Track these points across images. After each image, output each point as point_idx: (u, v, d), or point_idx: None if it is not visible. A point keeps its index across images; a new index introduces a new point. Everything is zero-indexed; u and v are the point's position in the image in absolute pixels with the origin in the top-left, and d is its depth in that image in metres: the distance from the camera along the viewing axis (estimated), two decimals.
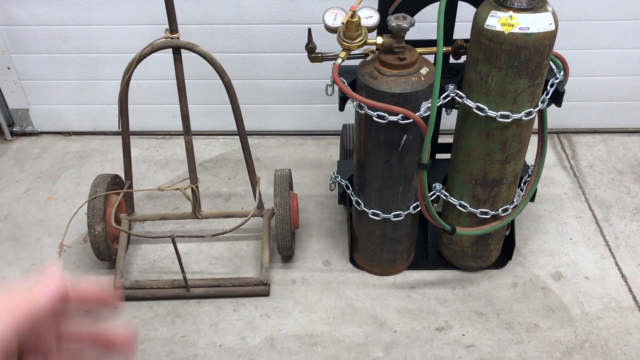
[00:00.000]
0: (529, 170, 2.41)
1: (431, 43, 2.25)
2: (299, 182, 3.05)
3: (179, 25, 2.15)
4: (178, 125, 3.39)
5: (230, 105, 3.30)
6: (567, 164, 3.16)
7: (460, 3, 2.26)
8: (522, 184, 2.41)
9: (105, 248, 2.47)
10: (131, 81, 2.69)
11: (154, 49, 2.19)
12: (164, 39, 2.18)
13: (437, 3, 2.21)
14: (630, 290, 2.50)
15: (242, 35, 3.02)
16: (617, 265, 2.61)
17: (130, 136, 2.43)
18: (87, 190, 3.00)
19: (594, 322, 2.38)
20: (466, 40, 2.22)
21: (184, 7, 2.91)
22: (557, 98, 2.12)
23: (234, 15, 2.96)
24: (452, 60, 2.37)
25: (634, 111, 3.31)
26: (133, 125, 2.57)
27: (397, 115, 1.99)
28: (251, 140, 3.27)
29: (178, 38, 2.18)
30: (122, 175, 2.67)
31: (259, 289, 2.47)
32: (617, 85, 3.21)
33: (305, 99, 3.26)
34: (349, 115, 3.30)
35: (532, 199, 2.43)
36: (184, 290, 2.47)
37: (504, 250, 2.61)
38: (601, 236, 2.74)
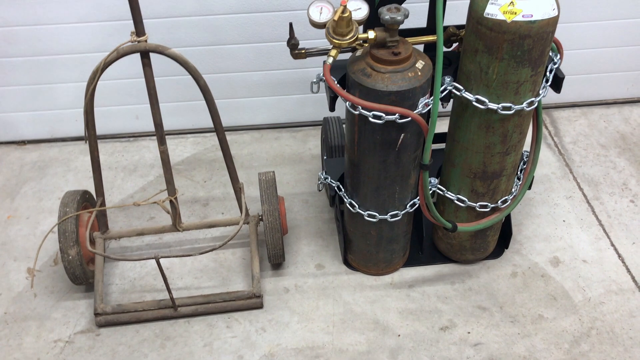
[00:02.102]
0: (524, 157, 2.32)
1: (418, 32, 2.11)
2: (280, 180, 2.89)
3: (141, 14, 1.93)
4: (143, 126, 3.19)
5: (198, 102, 3.11)
6: (550, 141, 3.10)
7: None
8: (518, 172, 2.32)
9: (81, 272, 2.27)
10: None
11: (119, 54, 1.98)
12: (130, 43, 1.97)
13: None
14: (628, 270, 2.47)
15: (208, 26, 2.81)
16: (612, 245, 2.57)
17: None
18: (51, 205, 2.79)
19: (597, 308, 2.34)
20: (458, 27, 2.09)
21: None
22: (556, 84, 2.02)
23: (197, 6, 2.73)
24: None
25: (611, 83, 3.26)
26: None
27: (394, 114, 1.85)
28: None
29: (146, 41, 1.97)
30: (89, 187, 2.48)
31: (252, 302, 2.33)
32: (594, 58, 3.15)
33: (279, 90, 3.08)
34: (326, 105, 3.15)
35: (529, 187, 2.35)
36: (171, 310, 2.30)
37: (500, 239, 2.53)
38: (593, 216, 2.70)
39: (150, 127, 3.16)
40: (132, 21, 1.93)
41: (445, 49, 2.21)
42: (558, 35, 3.01)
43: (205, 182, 2.92)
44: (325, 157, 2.64)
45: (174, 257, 2.13)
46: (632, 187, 2.82)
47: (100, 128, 3.13)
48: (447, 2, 2.19)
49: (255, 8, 2.76)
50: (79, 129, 3.13)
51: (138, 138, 3.19)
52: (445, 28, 2.08)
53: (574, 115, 3.26)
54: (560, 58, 2.08)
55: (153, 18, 2.73)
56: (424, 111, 1.91)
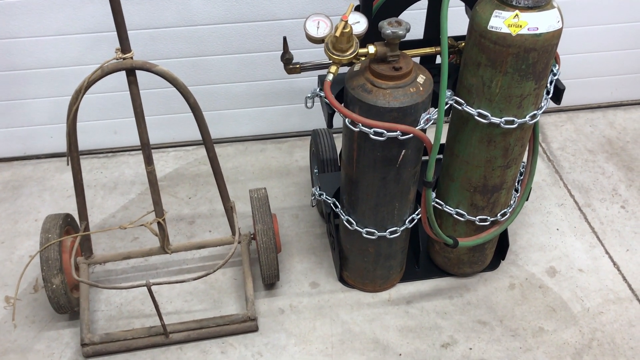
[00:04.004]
0: (521, 168, 2.29)
1: (413, 44, 2.06)
2: (268, 194, 2.80)
3: (127, 30, 1.82)
4: (121, 141, 3.06)
5: (178, 115, 3.00)
6: (539, 148, 3.08)
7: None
8: (516, 184, 2.28)
9: (65, 301, 2.15)
10: (65, 97, 2.29)
11: (104, 72, 1.87)
12: (115, 61, 1.86)
13: (424, 2, 2.03)
14: (624, 279, 2.46)
15: (190, 38, 2.70)
16: (607, 253, 2.56)
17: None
18: (27, 227, 2.66)
19: (597, 318, 2.32)
20: (456, 38, 2.04)
21: None
22: (557, 96, 1.99)
23: (179, 17, 2.63)
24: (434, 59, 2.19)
25: (595, 87, 3.27)
26: None
27: (396, 130, 1.79)
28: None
29: (132, 58, 1.87)
30: (68, 207, 2.36)
31: (247, 325, 2.24)
32: (578, 63, 3.15)
33: (263, 101, 2.99)
34: (313, 115, 3.08)
35: (527, 198, 2.31)
36: (162, 337, 2.19)
37: (496, 250, 2.49)
38: (586, 223, 2.69)
39: (130, 141, 3.06)
40: (110, 33, 1.84)
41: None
42: None
43: (190, 199, 2.81)
44: (316, 172, 2.57)
45: (167, 283, 2.03)
46: (621, 193, 2.82)
47: (77, 144, 3.00)
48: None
49: (238, 18, 2.67)
50: (54, 146, 2.99)
51: (117, 153, 3.06)
52: None
53: (560, 121, 3.26)
54: (558, 68, 2.05)
55: (132, 29, 2.60)
56: (425, 127, 1.85)
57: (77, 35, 2.62)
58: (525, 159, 2.24)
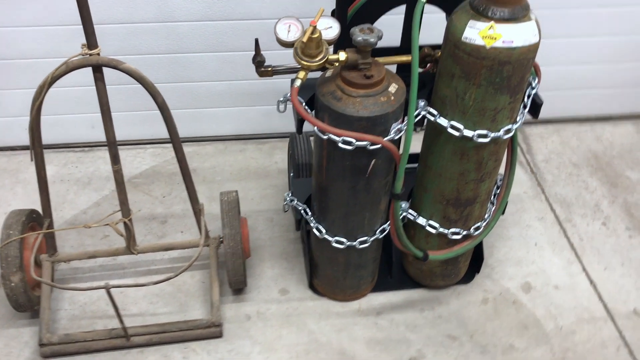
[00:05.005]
0: (497, 182, 2.24)
1: (389, 51, 2.00)
2: (244, 196, 2.75)
3: (93, 25, 1.76)
4: (99, 136, 3.00)
5: (158, 111, 2.94)
6: (523, 159, 3.03)
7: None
8: (492, 197, 2.23)
9: (25, 300, 2.10)
10: None
11: (69, 68, 1.82)
12: (80, 56, 1.81)
13: (402, 7, 1.98)
14: (600, 298, 2.41)
15: (169, 34, 2.64)
16: (584, 270, 2.51)
17: (44, 150, 2.01)
18: None
19: (569, 337, 2.27)
20: (433, 47, 1.99)
21: (98, 4, 2.49)
22: (534, 110, 1.94)
23: (158, 12, 2.57)
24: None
25: (584, 99, 3.22)
26: (46, 138, 2.11)
27: (364, 140, 1.74)
28: (185, 149, 2.92)
29: (98, 54, 1.82)
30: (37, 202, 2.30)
31: (211, 331, 2.19)
32: (567, 75, 3.10)
33: (244, 100, 2.94)
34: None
35: (503, 212, 2.27)
36: (123, 340, 2.15)
37: (471, 263, 2.44)
38: (565, 239, 2.64)
39: None
40: None
41: (419, 70, 2.10)
42: None
43: (164, 198, 2.76)
44: (292, 175, 2.52)
45: (127, 286, 1.98)
46: (604, 209, 2.78)
47: (53, 137, 2.95)
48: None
49: (219, 16, 2.61)
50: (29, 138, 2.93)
51: (93, 148, 3.01)
52: (420, 48, 1.97)
53: (547, 132, 3.20)
54: (538, 82, 2.00)
55: (109, 24, 2.56)
56: (396, 137, 1.80)
57: (54, 27, 2.56)
58: (503, 171, 2.19)
